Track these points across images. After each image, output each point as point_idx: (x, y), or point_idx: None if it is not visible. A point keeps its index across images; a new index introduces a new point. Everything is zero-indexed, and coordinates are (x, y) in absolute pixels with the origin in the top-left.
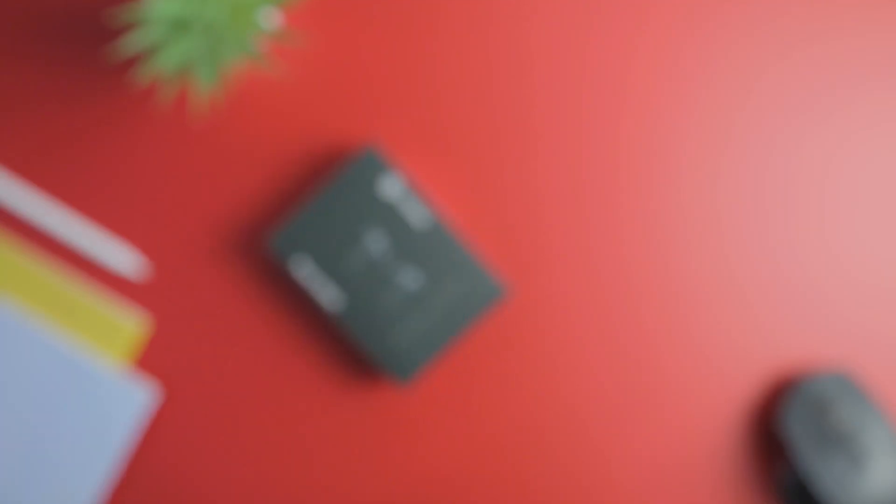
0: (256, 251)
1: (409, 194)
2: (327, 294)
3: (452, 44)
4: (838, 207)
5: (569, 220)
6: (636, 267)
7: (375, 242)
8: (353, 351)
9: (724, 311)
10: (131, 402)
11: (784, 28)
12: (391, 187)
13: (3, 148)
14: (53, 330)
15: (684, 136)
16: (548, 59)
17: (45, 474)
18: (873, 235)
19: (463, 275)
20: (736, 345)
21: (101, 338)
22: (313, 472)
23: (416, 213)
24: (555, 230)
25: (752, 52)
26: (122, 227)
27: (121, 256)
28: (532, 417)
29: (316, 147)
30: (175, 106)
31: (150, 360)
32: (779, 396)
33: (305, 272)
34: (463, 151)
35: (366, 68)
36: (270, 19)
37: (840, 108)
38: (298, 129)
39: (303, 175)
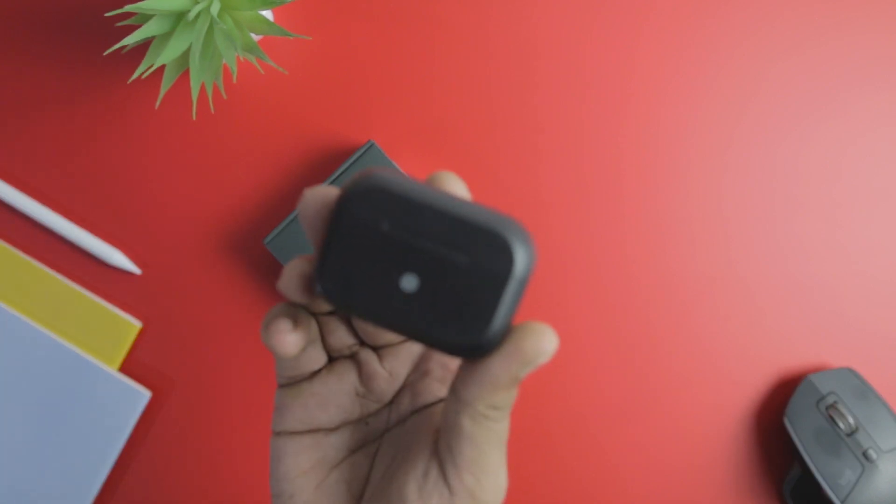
0: (253, 250)
1: None
2: None
3: (452, 41)
4: (844, 207)
5: (571, 220)
6: (641, 267)
7: None
8: None
9: (730, 311)
10: (128, 400)
11: (790, 26)
12: None
13: None
14: (50, 328)
15: (688, 135)
16: (549, 57)
17: (42, 472)
18: (880, 234)
19: None
20: (742, 345)
21: (98, 337)
22: None
23: None
24: (556, 230)
25: (757, 50)
26: (118, 226)
27: (117, 255)
28: (534, 418)
29: (314, 144)
30: (171, 103)
31: (143, 360)
32: (785, 396)
33: None
34: (463, 151)
35: (365, 67)
36: (269, 16)
37: (845, 107)
38: (297, 126)
39: (301, 172)
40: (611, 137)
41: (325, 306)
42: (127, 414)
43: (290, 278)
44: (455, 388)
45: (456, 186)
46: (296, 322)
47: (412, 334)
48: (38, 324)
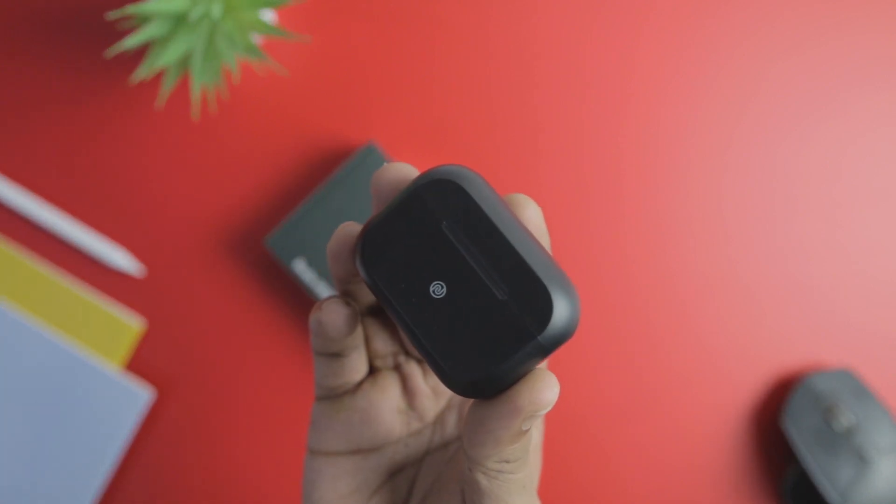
0: (254, 250)
1: None
2: (326, 293)
3: (452, 41)
4: (844, 207)
5: (571, 220)
6: (641, 267)
7: None
8: None
9: (730, 311)
10: (129, 400)
11: (790, 26)
12: None
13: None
14: (52, 329)
15: (688, 135)
16: (549, 57)
17: (45, 471)
18: (880, 234)
19: None
20: (742, 345)
21: (100, 337)
22: None
23: None
24: (556, 230)
25: (757, 50)
26: (120, 227)
27: (118, 255)
28: None
29: (314, 144)
30: (173, 104)
31: (146, 359)
32: (784, 396)
33: (304, 271)
34: (463, 151)
35: (365, 67)
36: (269, 17)
37: (845, 107)
38: (297, 126)
39: (301, 173)
40: (611, 137)
41: (368, 296)
42: (127, 414)
43: (340, 236)
44: (464, 443)
45: (532, 216)
46: (347, 303)
47: (414, 340)
48: (39, 324)
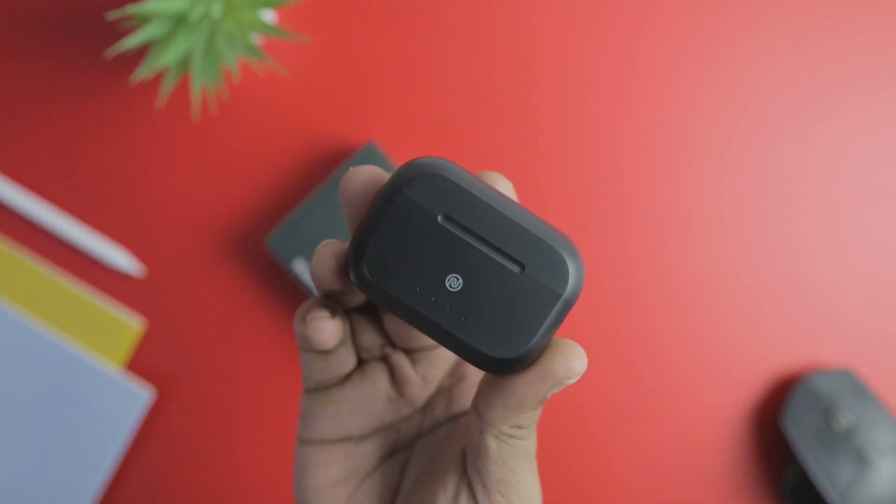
0: (254, 250)
1: None
2: None
3: (452, 41)
4: (844, 207)
5: (571, 220)
6: (641, 267)
7: None
8: None
9: (730, 311)
10: (129, 400)
11: (790, 26)
12: None
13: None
14: (52, 329)
15: (688, 135)
16: (549, 57)
17: (45, 471)
18: (880, 234)
19: None
20: (742, 345)
21: (100, 337)
22: None
23: None
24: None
25: (757, 50)
26: (120, 227)
27: (118, 255)
28: None
29: (314, 144)
30: (173, 104)
31: (147, 359)
32: (784, 396)
33: (304, 271)
34: (463, 151)
35: (365, 67)
36: (269, 17)
37: (845, 107)
38: (297, 126)
39: (301, 172)
40: (611, 137)
41: (354, 299)
42: (127, 414)
43: (324, 256)
44: (477, 407)
45: (507, 189)
46: (333, 311)
47: (444, 338)
48: (39, 324)
